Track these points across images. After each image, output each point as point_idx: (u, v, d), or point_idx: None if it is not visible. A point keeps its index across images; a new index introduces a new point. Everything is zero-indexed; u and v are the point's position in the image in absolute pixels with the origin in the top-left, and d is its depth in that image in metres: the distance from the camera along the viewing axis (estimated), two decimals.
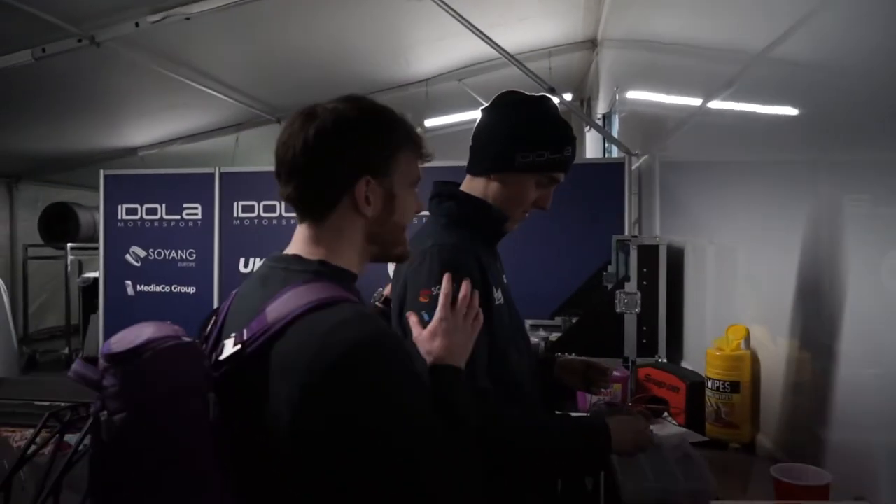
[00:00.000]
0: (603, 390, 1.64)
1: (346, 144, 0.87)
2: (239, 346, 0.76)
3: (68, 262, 6.15)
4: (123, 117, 5.51)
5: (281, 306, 0.78)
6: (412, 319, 1.07)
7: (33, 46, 3.72)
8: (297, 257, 0.88)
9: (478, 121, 1.34)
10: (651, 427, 1.47)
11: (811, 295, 1.18)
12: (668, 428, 1.50)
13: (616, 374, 1.65)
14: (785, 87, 1.33)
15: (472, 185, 1.32)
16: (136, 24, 3.65)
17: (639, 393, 1.66)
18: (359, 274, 0.93)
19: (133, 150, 6.30)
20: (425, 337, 1.01)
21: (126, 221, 4.11)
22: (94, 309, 4.49)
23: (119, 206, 4.12)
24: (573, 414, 1.32)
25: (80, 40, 3.71)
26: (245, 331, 0.78)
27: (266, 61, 4.77)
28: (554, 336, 2.77)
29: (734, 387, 1.36)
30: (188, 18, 3.56)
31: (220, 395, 0.74)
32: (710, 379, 1.40)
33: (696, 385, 1.50)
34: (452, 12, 3.23)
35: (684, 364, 2.08)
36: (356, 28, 4.58)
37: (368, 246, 0.92)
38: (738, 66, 1.58)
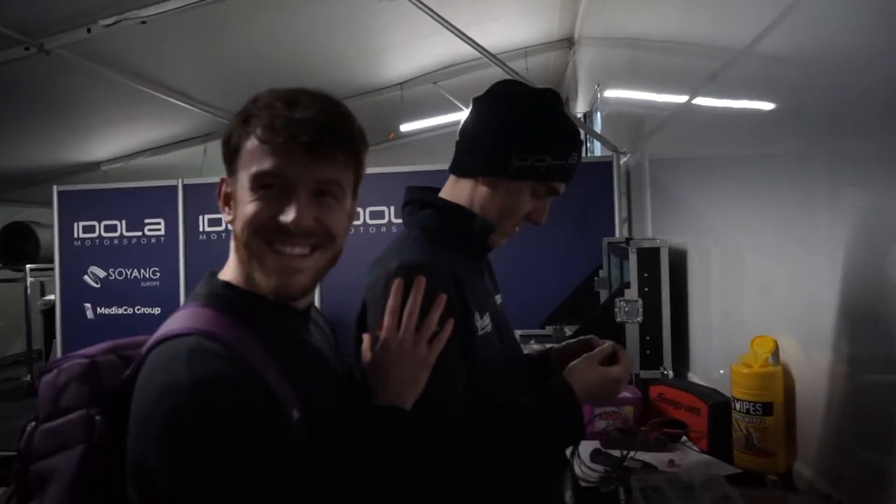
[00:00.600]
0: (613, 413, 1.48)
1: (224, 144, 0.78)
2: (129, 371, 0.72)
3: (28, 285, 5.83)
4: (83, 130, 5.24)
5: (159, 330, 0.72)
6: (364, 343, 0.91)
7: None
8: (210, 273, 0.81)
9: (468, 113, 1.13)
10: (672, 456, 1.32)
11: (849, 299, 1.03)
12: (690, 456, 1.33)
13: (626, 394, 1.48)
14: (775, 78, 1.21)
15: (455, 189, 1.11)
16: (88, 30, 3.43)
17: (652, 415, 1.49)
18: (280, 298, 0.77)
19: (96, 165, 6.02)
20: (370, 366, 0.86)
21: (83, 240, 3.84)
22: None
23: (75, 224, 3.85)
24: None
25: (27, 48, 3.47)
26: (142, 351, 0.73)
27: (231, 68, 4.55)
28: (547, 347, 2.61)
29: (766, 408, 1.19)
30: (144, 22, 3.35)
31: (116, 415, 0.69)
32: (737, 400, 1.23)
33: (719, 406, 1.34)
34: (428, 11, 3.07)
35: (691, 377, 1.92)
36: (326, 31, 4.41)
37: (248, 261, 0.77)
38: (722, 61, 1.51)
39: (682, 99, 2.01)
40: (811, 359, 1.18)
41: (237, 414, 0.64)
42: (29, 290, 5.88)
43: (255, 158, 0.72)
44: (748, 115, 1.47)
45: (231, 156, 0.76)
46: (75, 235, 3.86)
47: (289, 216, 0.72)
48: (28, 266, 5.81)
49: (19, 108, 4.37)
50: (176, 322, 0.71)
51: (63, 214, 3.87)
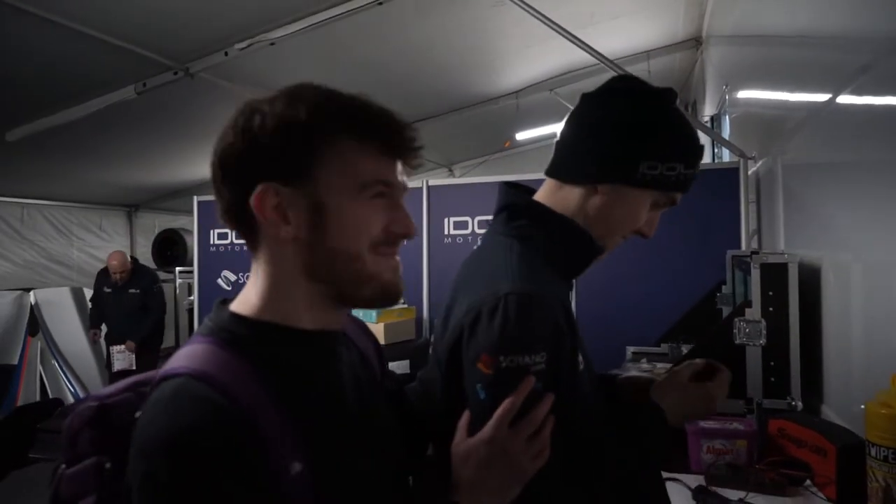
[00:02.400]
0: (722, 447, 1.33)
1: (245, 143, 0.65)
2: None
3: (177, 286, 6.46)
4: None
5: (163, 368, 0.66)
6: (462, 420, 0.79)
7: (135, 82, 3.92)
8: (219, 303, 0.72)
9: (581, 108, 0.96)
10: (791, 502, 1.16)
11: None
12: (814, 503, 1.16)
13: (739, 427, 1.33)
14: None
15: (558, 197, 0.96)
16: (226, 53, 3.73)
17: (771, 452, 1.32)
18: (324, 328, 0.69)
19: None
20: (459, 455, 0.75)
21: (218, 246, 4.19)
22: None
23: (211, 231, 4.21)
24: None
25: (175, 73, 3.85)
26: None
27: (350, 82, 4.68)
28: (660, 367, 2.43)
29: None
30: (273, 44, 3.59)
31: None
32: (872, 445, 1.05)
33: (851, 449, 1.16)
34: (539, 15, 3.02)
35: (825, 410, 1.69)
36: (442, 41, 4.47)
37: (312, 284, 0.67)
38: (874, 51, 1.32)
39: (823, 97, 1.79)
40: None
41: (213, 474, 0.56)
42: (178, 291, 6.52)
43: (365, 167, 0.65)
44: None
45: (299, 157, 0.65)
46: (211, 242, 4.22)
47: (409, 226, 0.69)
48: (177, 269, 6.45)
49: (169, 127, 4.85)
50: (175, 359, 0.65)
51: (202, 223, 4.25)
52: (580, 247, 0.94)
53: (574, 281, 1.01)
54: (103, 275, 5.27)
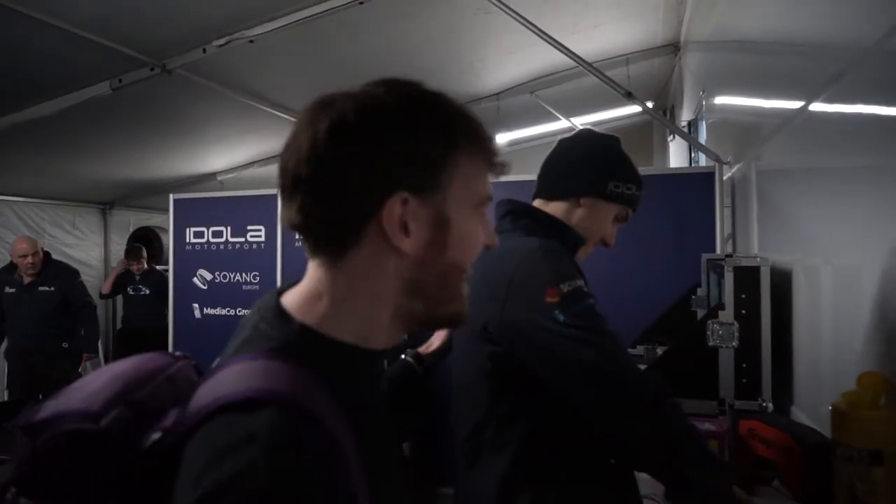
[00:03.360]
0: None
1: (371, 144, 0.59)
2: (159, 435, 0.54)
3: None
4: (201, 143, 5.65)
5: (209, 390, 0.54)
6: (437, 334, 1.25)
7: (111, 78, 3.85)
8: (278, 310, 0.62)
9: (562, 149, 1.37)
10: (759, 501, 1.17)
11: None
12: (782, 503, 1.18)
13: (711, 427, 1.35)
14: None
15: (549, 209, 1.31)
16: (204, 51, 3.69)
17: (740, 452, 1.34)
18: (385, 348, 0.65)
19: (213, 175, 6.48)
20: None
21: (194, 244, 4.14)
22: None
23: (187, 230, 4.16)
24: None
25: (152, 69, 3.79)
26: (171, 416, 0.55)
27: (330, 83, 4.73)
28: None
29: (874, 457, 1.03)
30: (252, 41, 3.55)
31: (139, 491, 0.53)
32: (838, 444, 1.08)
33: (818, 448, 1.18)
34: (526, 23, 3.03)
35: (795, 411, 1.73)
36: (425, 43, 4.48)
37: (408, 302, 0.63)
38: (846, 61, 1.37)
39: (796, 105, 1.83)
40: None
41: None
42: None
43: (480, 182, 0.66)
44: (875, 121, 1.29)
45: (435, 166, 0.62)
46: (187, 240, 4.16)
47: (494, 238, 0.69)
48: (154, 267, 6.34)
49: (146, 123, 4.78)
50: (241, 380, 0.54)
51: (177, 220, 4.19)
52: (566, 233, 1.25)
53: None
54: (3, 273, 4.54)
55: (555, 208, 1.30)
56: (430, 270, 0.62)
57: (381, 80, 0.64)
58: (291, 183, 0.61)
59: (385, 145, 0.60)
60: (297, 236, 0.64)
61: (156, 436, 0.54)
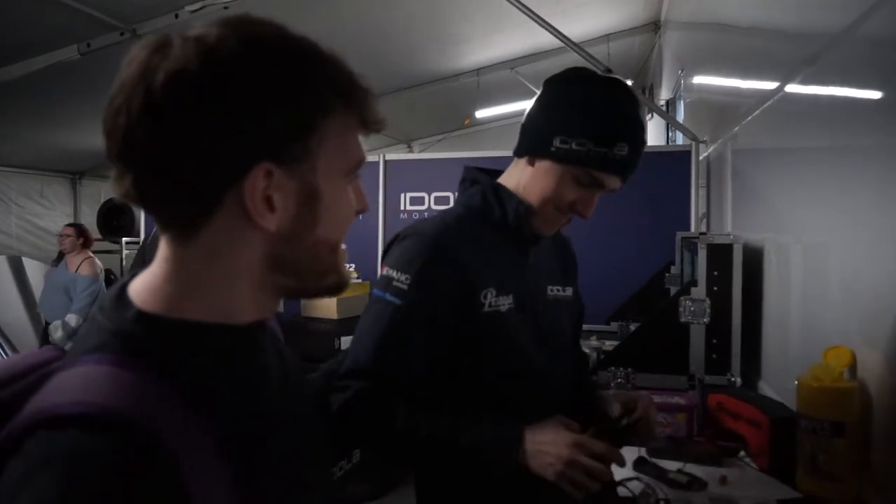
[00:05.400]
0: (663, 421, 1.38)
1: (225, 103, 0.48)
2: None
3: (123, 257, 6.24)
4: None
5: (40, 398, 0.47)
6: None
7: (79, 42, 3.73)
8: (117, 297, 0.53)
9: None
10: (725, 472, 1.21)
11: None
12: (747, 474, 1.22)
13: (680, 401, 1.38)
14: (878, 62, 1.05)
15: (510, 171, 1.14)
16: (176, 16, 3.59)
17: (709, 425, 1.38)
18: (257, 320, 0.57)
19: None
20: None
21: None
22: None
23: None
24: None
25: (122, 34, 3.68)
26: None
27: None
28: (608, 345, 2.50)
29: (836, 428, 1.06)
30: (226, 7, 3.46)
31: None
32: (803, 417, 1.11)
33: (782, 421, 1.21)
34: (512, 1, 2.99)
35: (762, 386, 1.77)
36: (404, 19, 4.41)
37: (271, 276, 0.55)
38: (820, 44, 1.37)
39: (772, 86, 1.84)
40: (895, 375, 1.04)
41: None
42: (124, 262, 6.31)
43: (353, 143, 0.59)
44: (846, 104, 1.31)
45: (301, 133, 0.55)
46: None
47: (366, 201, 0.63)
48: (124, 239, 6.22)
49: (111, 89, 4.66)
50: (64, 389, 0.47)
51: None
52: (501, 204, 1.09)
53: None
54: None
55: (514, 168, 1.12)
56: (299, 247, 0.54)
57: (220, 21, 0.51)
58: (123, 148, 0.49)
59: (242, 105, 0.49)
60: None
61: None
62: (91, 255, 4.58)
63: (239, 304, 0.55)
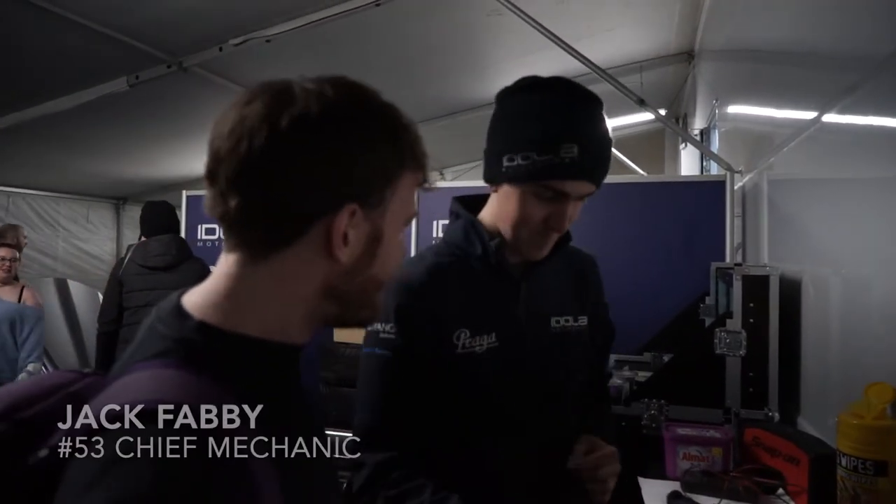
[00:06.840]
0: (698, 454, 1.35)
1: (337, 147, 0.56)
2: (46, 453, 0.50)
3: None
4: None
5: (103, 401, 0.50)
6: None
7: (128, 74, 3.90)
8: (176, 309, 0.58)
9: None
10: None
11: None
12: None
13: (716, 434, 1.35)
14: None
15: (490, 201, 1.08)
16: (220, 49, 3.73)
17: (746, 461, 1.34)
18: (297, 343, 0.62)
19: None
20: None
21: (205, 241, 4.17)
22: None
23: (199, 227, 4.19)
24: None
25: (169, 66, 3.84)
26: (63, 428, 0.51)
27: None
28: (641, 376, 2.46)
29: (879, 468, 1.03)
30: (268, 41, 3.59)
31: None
32: (843, 454, 1.08)
33: (823, 459, 1.18)
34: (535, 24, 3.04)
35: (801, 421, 1.72)
36: (440, 45, 4.50)
37: (323, 304, 0.61)
38: (860, 73, 1.36)
39: (809, 115, 1.83)
40: None
41: None
42: None
43: (412, 199, 0.68)
44: (888, 134, 1.29)
45: (385, 183, 0.64)
46: (199, 237, 4.19)
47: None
48: None
49: (161, 120, 4.84)
50: (136, 390, 0.50)
51: (190, 217, 4.23)
52: (470, 239, 1.04)
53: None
54: None
55: (491, 199, 1.06)
56: (355, 280, 0.61)
57: (332, 77, 0.60)
58: (235, 171, 0.55)
59: (349, 152, 0.57)
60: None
61: (42, 453, 0.50)
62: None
63: (291, 326, 0.61)
